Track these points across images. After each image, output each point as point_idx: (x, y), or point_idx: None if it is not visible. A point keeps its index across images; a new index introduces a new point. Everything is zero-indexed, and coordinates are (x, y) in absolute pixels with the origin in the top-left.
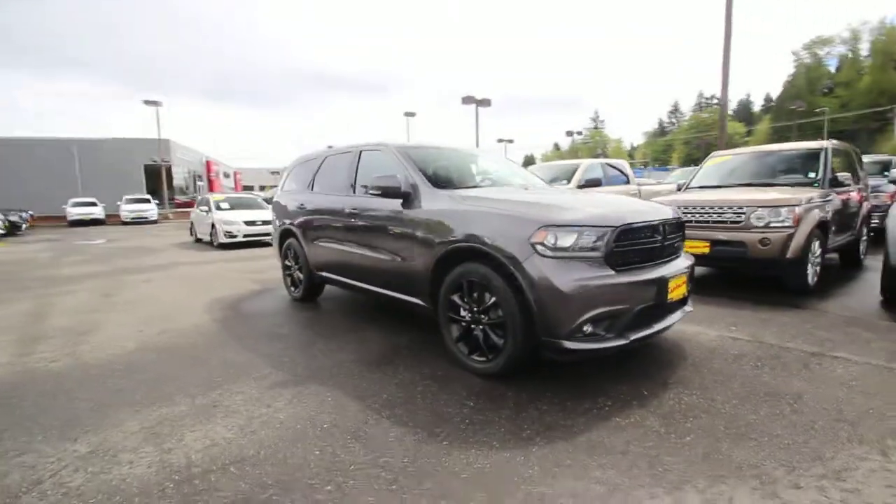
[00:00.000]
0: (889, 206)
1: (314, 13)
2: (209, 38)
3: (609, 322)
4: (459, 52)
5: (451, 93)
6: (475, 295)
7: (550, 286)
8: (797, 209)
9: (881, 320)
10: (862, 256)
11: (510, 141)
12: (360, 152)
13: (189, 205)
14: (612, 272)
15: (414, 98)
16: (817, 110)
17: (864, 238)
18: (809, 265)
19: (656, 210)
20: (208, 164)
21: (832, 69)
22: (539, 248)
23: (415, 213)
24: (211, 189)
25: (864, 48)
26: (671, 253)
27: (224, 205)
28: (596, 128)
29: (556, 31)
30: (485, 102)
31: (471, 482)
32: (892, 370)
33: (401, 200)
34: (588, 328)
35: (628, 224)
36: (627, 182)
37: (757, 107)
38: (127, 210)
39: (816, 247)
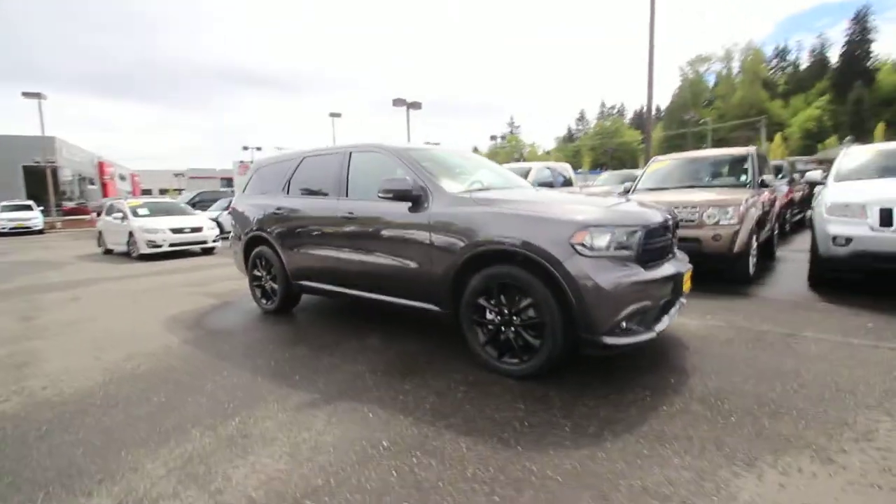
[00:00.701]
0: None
1: (226, 4)
2: (105, 27)
3: (641, 317)
4: (384, 53)
5: (374, 94)
6: (506, 297)
7: (594, 285)
8: (741, 208)
9: (818, 302)
10: (775, 249)
11: (437, 143)
12: (350, 153)
13: (80, 211)
14: (643, 269)
15: (335, 99)
16: (701, 121)
17: (776, 232)
18: (751, 257)
19: (660, 211)
20: (101, 166)
21: (711, 84)
22: (579, 248)
23: (429, 216)
24: (105, 194)
25: (736, 66)
26: (672, 250)
27: (143, 211)
28: (512, 133)
29: (478, 38)
30: (415, 105)
31: (569, 484)
32: (852, 344)
33: (409, 204)
34: (624, 324)
35: (653, 223)
36: (570, 184)
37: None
38: (5, 219)
39: (754, 241)
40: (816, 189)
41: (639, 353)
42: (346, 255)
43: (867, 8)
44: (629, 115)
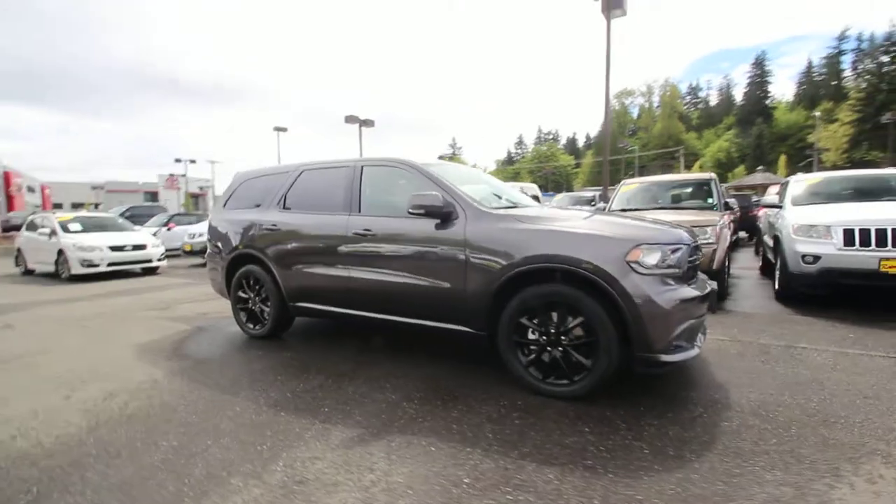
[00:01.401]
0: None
1: (156, 8)
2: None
3: (689, 333)
4: (325, 71)
5: (313, 110)
6: (552, 317)
7: (651, 303)
8: (717, 228)
9: (794, 316)
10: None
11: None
12: (362, 168)
13: None
14: (689, 287)
15: (273, 114)
16: (629, 148)
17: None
18: (725, 274)
19: (687, 231)
20: (7, 177)
21: (634, 115)
22: (634, 265)
23: (464, 233)
24: (11, 207)
25: (656, 100)
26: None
27: (74, 226)
28: (454, 154)
29: (420, 56)
30: (368, 123)
31: None
32: (848, 354)
33: (437, 221)
34: (675, 341)
35: (691, 242)
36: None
37: (581, 143)
38: None
39: (726, 259)
40: (769, 211)
41: (673, 369)
42: (359, 274)
43: (764, 54)
44: (562, 140)
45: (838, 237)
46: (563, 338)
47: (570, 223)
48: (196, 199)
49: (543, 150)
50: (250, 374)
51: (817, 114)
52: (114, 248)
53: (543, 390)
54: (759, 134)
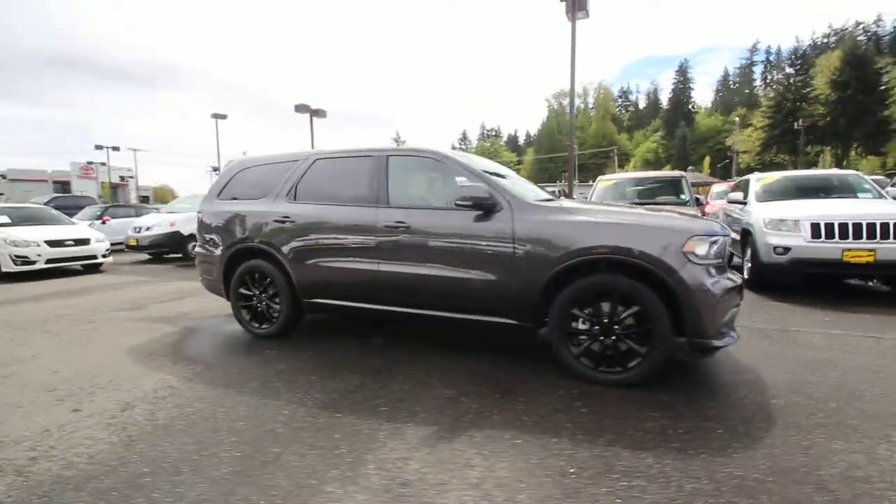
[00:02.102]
0: None
1: None
2: None
3: (731, 320)
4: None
5: (253, 99)
6: (604, 307)
7: (706, 291)
8: None
9: (771, 302)
10: None
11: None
12: (388, 158)
13: None
14: (731, 276)
15: (208, 100)
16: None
17: None
18: None
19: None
20: None
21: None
22: (690, 256)
23: (512, 225)
24: None
25: (591, 101)
26: None
27: (1, 218)
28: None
29: (364, 47)
30: (320, 113)
31: (796, 484)
32: (834, 335)
33: (479, 213)
34: (723, 328)
35: (727, 235)
36: None
37: (522, 140)
38: None
39: None
40: (731, 207)
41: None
42: (390, 268)
43: (686, 62)
44: (504, 137)
45: (806, 230)
46: (616, 327)
47: (623, 215)
48: (115, 190)
49: (487, 146)
50: (276, 375)
51: (737, 119)
52: (52, 244)
53: (597, 379)
54: (682, 136)
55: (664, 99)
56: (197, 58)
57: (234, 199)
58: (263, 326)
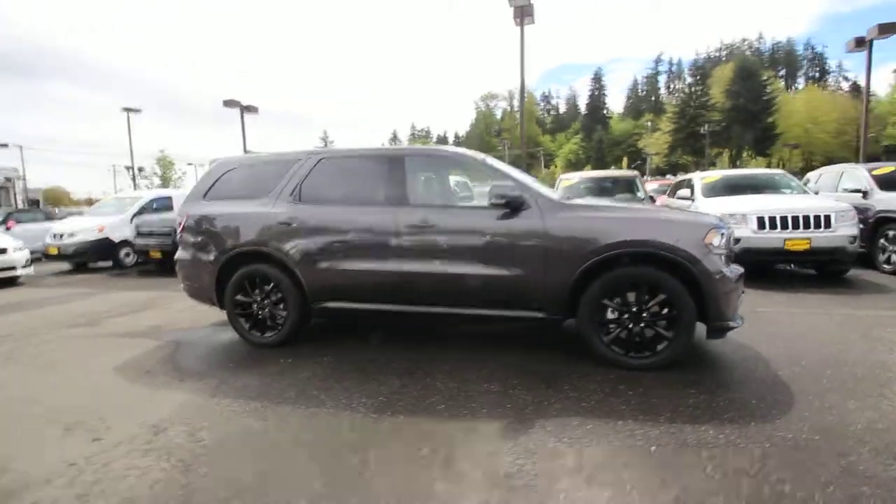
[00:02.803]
0: None
1: None
2: None
3: (738, 304)
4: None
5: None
6: (631, 297)
7: (725, 279)
8: None
9: None
10: None
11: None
12: (404, 157)
13: None
14: (735, 265)
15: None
16: (499, 147)
17: None
18: None
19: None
20: None
21: (498, 117)
22: (710, 247)
23: (543, 222)
24: None
25: (517, 104)
26: None
27: None
28: (327, 146)
29: (295, 47)
30: (251, 109)
31: (865, 441)
32: (796, 314)
33: (505, 211)
34: (735, 311)
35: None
36: None
37: (451, 141)
38: None
39: None
40: (678, 203)
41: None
42: (414, 267)
43: (601, 70)
44: (434, 138)
45: (753, 223)
46: (644, 315)
47: (646, 212)
48: None
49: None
50: (306, 384)
51: (648, 124)
52: None
53: (628, 364)
54: (599, 139)
55: (582, 104)
56: (94, 48)
57: (223, 200)
58: (266, 335)
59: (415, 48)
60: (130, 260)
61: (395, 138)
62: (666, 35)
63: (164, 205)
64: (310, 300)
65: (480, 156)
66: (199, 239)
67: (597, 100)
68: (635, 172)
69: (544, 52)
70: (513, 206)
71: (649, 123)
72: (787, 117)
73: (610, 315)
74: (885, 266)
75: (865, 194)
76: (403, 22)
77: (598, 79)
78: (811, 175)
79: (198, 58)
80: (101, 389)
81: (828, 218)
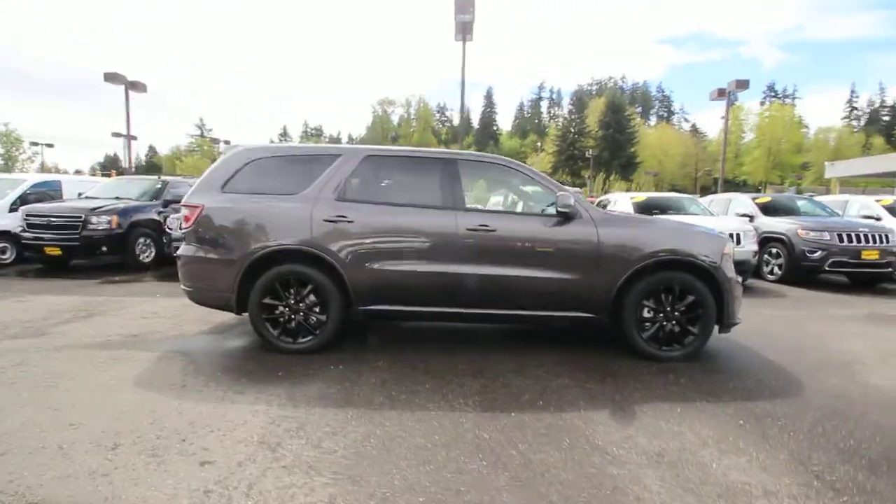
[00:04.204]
0: None
1: None
2: None
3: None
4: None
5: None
6: (664, 298)
7: (737, 283)
8: None
9: None
10: None
11: (227, 142)
12: (458, 161)
13: None
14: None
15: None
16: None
17: None
18: None
19: None
20: None
21: (395, 123)
22: (727, 257)
23: (594, 232)
24: None
25: (413, 112)
26: None
27: None
28: (203, 136)
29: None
30: (139, 86)
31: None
32: (764, 314)
33: (559, 219)
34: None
35: None
36: None
37: (344, 142)
38: None
39: None
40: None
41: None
42: (472, 270)
43: (491, 89)
44: (326, 137)
45: None
46: (676, 313)
47: (680, 224)
48: None
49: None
50: (383, 388)
51: (539, 144)
52: None
53: (662, 356)
54: (492, 153)
55: (475, 119)
56: None
57: (248, 193)
58: (301, 340)
59: (308, 46)
60: (8, 257)
61: (284, 134)
62: (544, 64)
63: (52, 190)
64: (355, 303)
65: (527, 166)
66: (219, 235)
67: (488, 117)
68: (578, 190)
69: (439, 65)
70: (567, 215)
71: (539, 144)
72: (645, 149)
73: (646, 314)
74: (769, 276)
75: (752, 218)
76: (298, 15)
77: (489, 96)
78: (703, 200)
79: (63, 36)
80: (142, 408)
81: (738, 236)
